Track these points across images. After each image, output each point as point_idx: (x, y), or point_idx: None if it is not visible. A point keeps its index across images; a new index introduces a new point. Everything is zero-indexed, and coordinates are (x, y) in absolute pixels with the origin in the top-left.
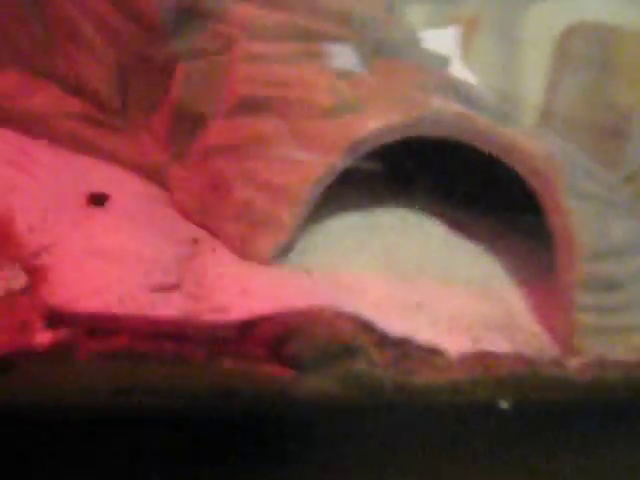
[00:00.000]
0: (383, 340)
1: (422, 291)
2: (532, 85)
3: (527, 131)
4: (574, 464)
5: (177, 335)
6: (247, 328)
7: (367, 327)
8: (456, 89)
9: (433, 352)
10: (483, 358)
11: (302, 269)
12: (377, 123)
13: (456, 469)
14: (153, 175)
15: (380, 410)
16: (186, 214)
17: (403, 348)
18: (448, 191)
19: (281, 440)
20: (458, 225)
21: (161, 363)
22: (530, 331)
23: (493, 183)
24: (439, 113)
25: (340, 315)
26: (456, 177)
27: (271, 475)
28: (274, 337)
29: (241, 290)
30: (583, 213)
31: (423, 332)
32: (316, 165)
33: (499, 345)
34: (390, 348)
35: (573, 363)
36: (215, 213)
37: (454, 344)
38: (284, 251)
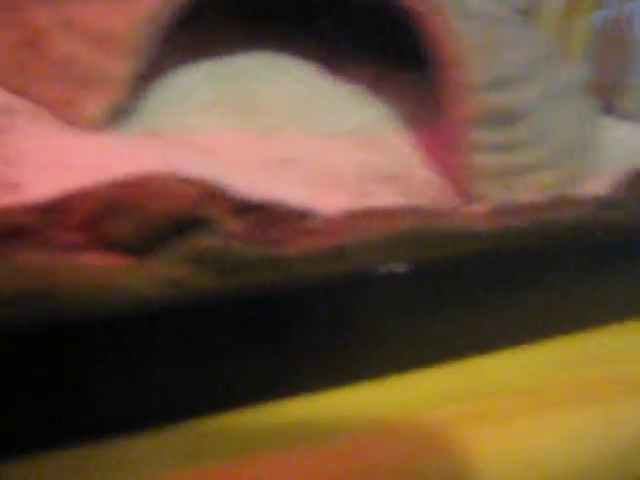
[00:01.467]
0: (240, 206)
1: (292, 145)
2: None
3: None
4: (484, 326)
5: None
6: (53, 208)
7: (217, 192)
8: None
9: (307, 214)
10: (371, 216)
11: (144, 133)
12: None
13: (350, 351)
14: None
15: (246, 295)
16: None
17: (267, 213)
18: (321, 28)
19: (115, 352)
20: (334, 67)
21: None
22: (423, 179)
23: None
24: None
25: (181, 181)
26: (329, 10)
27: (100, 403)
28: (91, 216)
29: (53, 162)
30: (473, 34)
31: (295, 191)
32: (145, 1)
33: (390, 199)
34: (250, 215)
35: (475, 211)
36: (33, 74)
37: (337, 202)
38: (122, 113)
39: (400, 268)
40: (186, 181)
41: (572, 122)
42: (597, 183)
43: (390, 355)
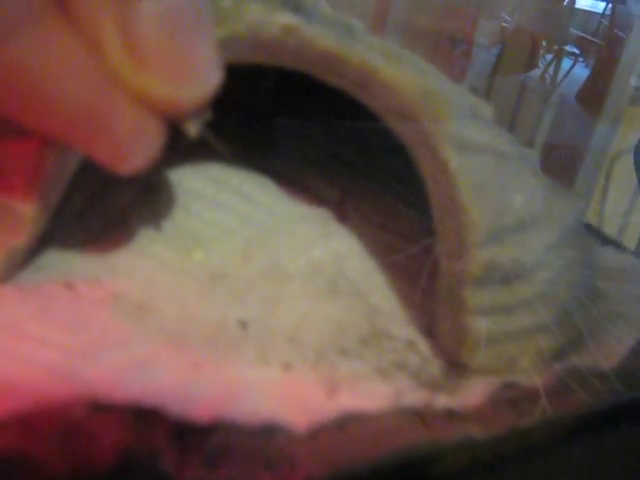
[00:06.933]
0: (180, 433)
1: (247, 298)
2: None
3: (389, 52)
4: None
5: None
6: None
7: (154, 418)
8: None
9: (269, 433)
10: (344, 428)
11: (60, 281)
12: None
13: None
14: None
15: None
16: None
17: (217, 441)
18: (287, 141)
19: None
20: (298, 189)
21: None
22: (407, 342)
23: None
24: (257, 28)
25: (102, 410)
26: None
27: None
28: None
29: None
30: (477, 175)
31: (251, 373)
32: None
33: (369, 387)
34: (194, 445)
35: (470, 404)
36: None
37: (303, 397)
38: (30, 256)
39: None
40: (110, 409)
41: (575, 274)
42: (603, 347)
43: None
